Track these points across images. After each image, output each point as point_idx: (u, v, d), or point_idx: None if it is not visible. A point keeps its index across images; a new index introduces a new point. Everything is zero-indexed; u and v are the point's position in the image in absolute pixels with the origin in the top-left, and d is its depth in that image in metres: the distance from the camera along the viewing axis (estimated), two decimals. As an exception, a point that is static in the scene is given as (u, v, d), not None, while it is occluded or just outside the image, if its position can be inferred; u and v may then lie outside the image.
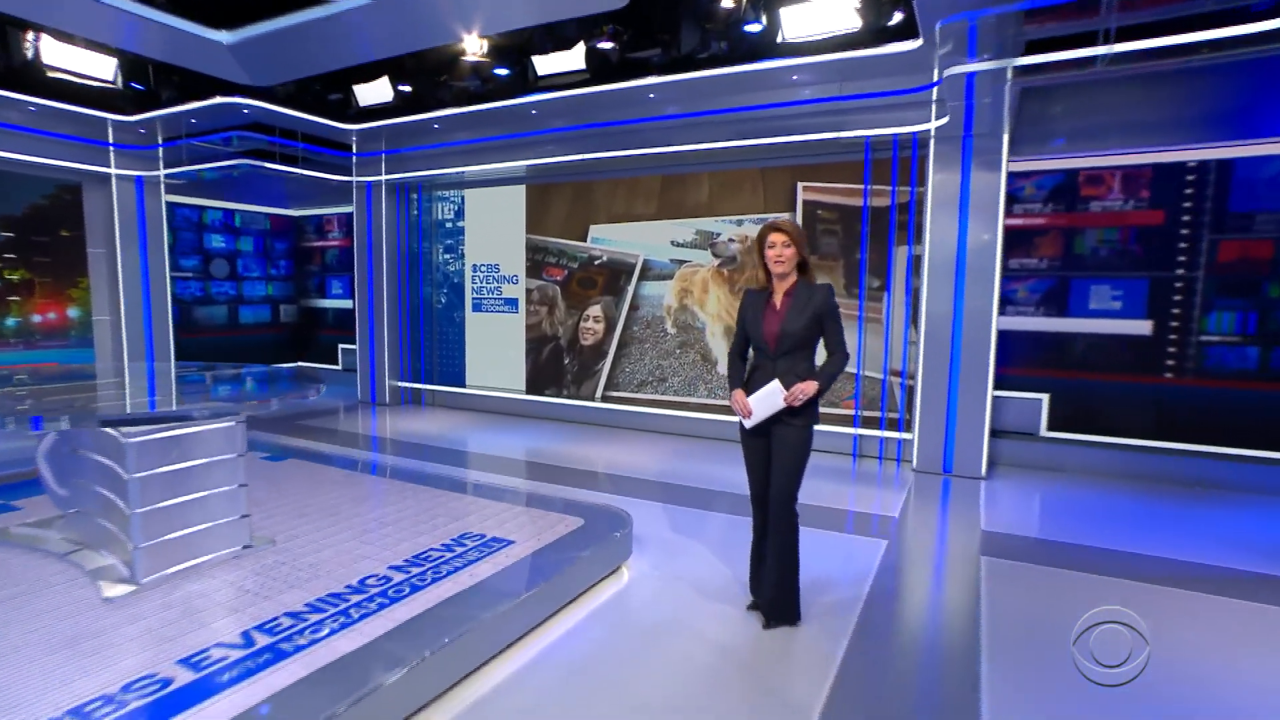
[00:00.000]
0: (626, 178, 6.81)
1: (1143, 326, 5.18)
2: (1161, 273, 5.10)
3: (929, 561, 3.61)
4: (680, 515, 4.23)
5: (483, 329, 7.77)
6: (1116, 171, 5.22)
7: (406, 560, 2.98)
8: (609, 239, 6.94)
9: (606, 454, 5.85)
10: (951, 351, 5.23)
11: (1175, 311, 5.07)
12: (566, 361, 7.23)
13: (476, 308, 7.81)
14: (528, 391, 7.48)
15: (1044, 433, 5.59)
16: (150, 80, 6.08)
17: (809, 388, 2.68)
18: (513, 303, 7.56)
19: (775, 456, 2.77)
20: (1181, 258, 5.04)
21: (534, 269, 7.38)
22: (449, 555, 3.05)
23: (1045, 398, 5.58)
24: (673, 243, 6.61)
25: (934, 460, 5.34)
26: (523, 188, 7.36)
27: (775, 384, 2.70)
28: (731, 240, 6.34)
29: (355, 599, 2.60)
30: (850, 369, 5.81)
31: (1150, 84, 5.00)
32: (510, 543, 3.21)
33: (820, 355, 2.77)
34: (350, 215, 8.18)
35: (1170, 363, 5.11)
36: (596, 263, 7.01)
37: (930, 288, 5.26)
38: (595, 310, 7.04)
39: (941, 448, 5.31)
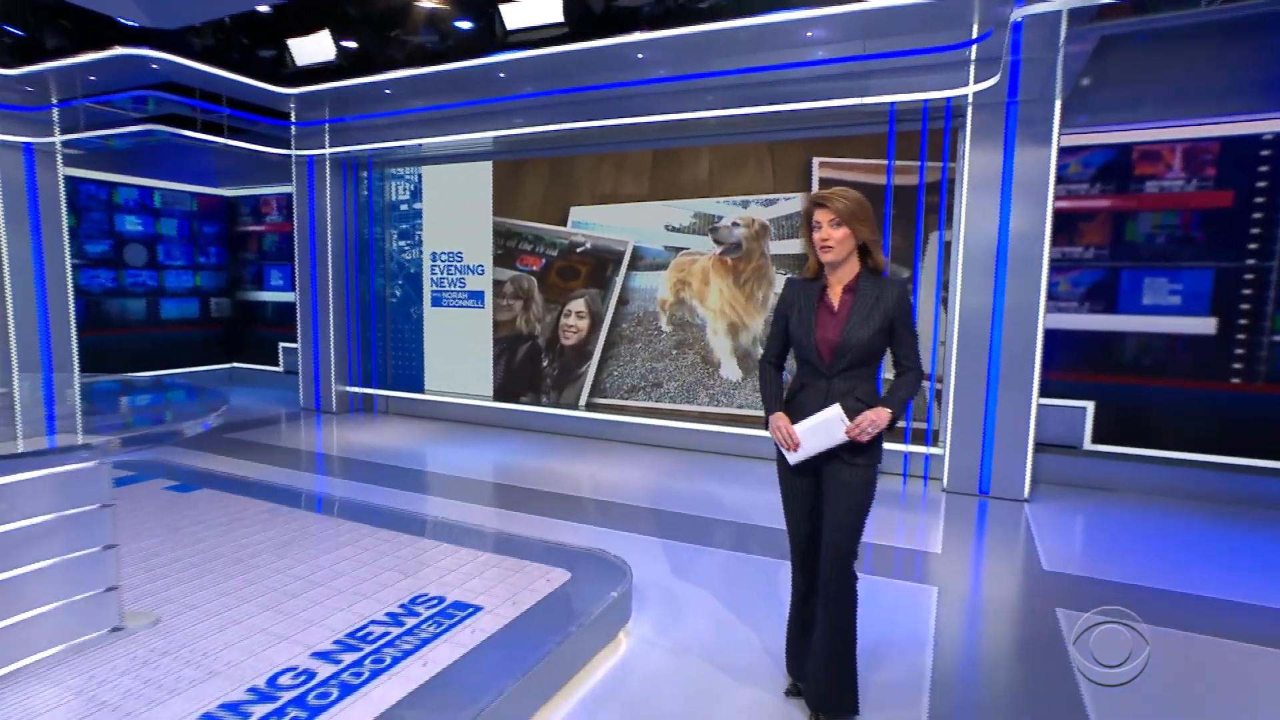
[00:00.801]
0: (612, 152, 6.19)
1: (1205, 325, 4.75)
2: (1228, 263, 4.67)
3: (996, 619, 3.08)
4: (683, 554, 3.65)
5: (443, 326, 7.13)
6: (1177, 146, 4.76)
7: (339, 642, 2.35)
8: (593, 223, 6.33)
9: (590, 473, 5.25)
10: (990, 353, 4.73)
11: (1244, 308, 4.64)
12: (545, 364, 6.60)
13: (436, 302, 7.15)
14: (496, 398, 6.84)
15: (1088, 445, 5.14)
16: (27, 21, 5.27)
17: (880, 418, 2.11)
18: (478, 296, 6.91)
19: (829, 503, 2.20)
20: (1253, 245, 4.60)
21: (505, 258, 6.73)
22: (396, 632, 2.42)
23: (1090, 405, 5.12)
24: (667, 227, 6.02)
25: (968, 479, 4.84)
26: (489, 164, 6.72)
27: (836, 410, 2.13)
28: (736, 224, 5.76)
29: (260, 712, 1.96)
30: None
31: (1223, 41, 4.53)
32: (477, 609, 2.60)
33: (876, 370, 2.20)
34: (291, 196, 7.42)
35: (1237, 366, 4.68)
36: (579, 250, 6.38)
37: (964, 279, 4.75)
38: (578, 305, 6.42)
39: (978, 465, 4.81)
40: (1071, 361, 5.14)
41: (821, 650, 2.24)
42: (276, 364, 8.94)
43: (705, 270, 5.90)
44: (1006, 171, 4.59)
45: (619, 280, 6.24)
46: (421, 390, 7.27)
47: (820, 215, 2.16)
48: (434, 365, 7.23)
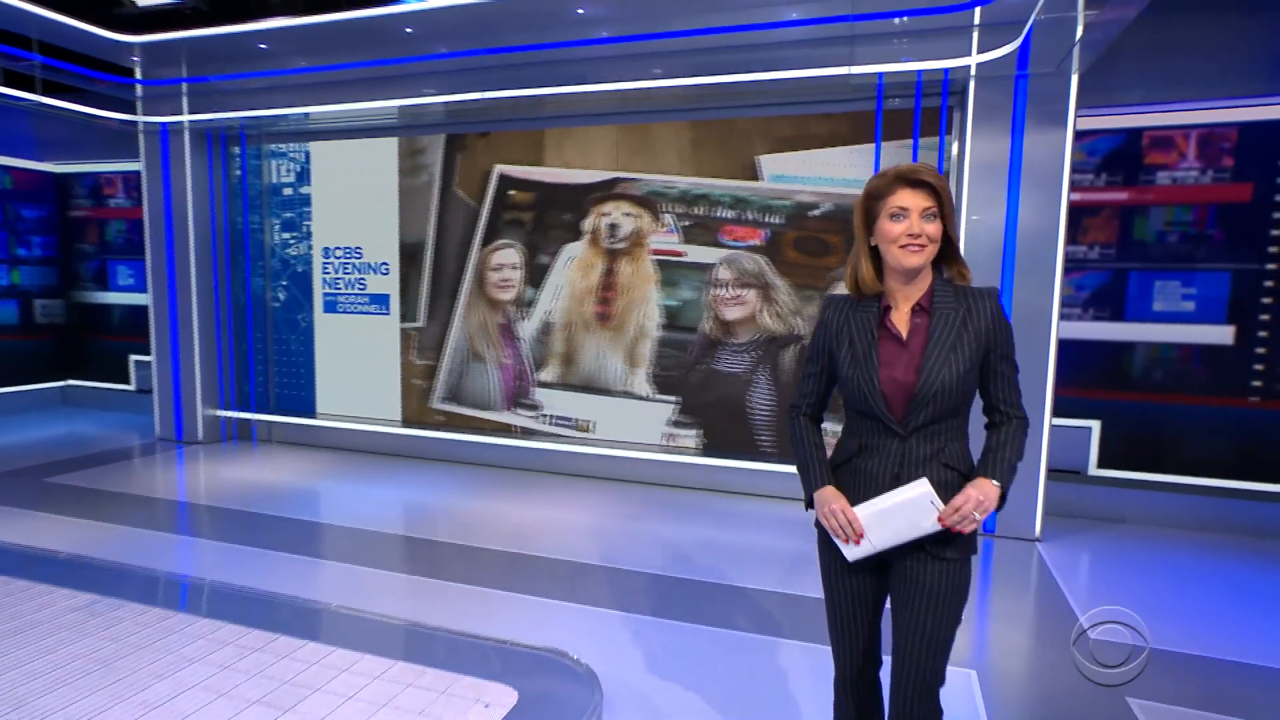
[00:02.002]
0: (551, 128, 5.50)
1: (1222, 334, 4.53)
2: (1248, 265, 4.46)
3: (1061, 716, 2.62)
4: (657, 636, 3.04)
5: (340, 337, 6.30)
6: (1191, 132, 4.52)
7: None
8: (796, 175, 5.12)
9: (527, 518, 4.58)
10: (996, 369, 4.35)
11: (1265, 317, 4.44)
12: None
13: (330, 307, 6.30)
14: (407, 423, 6.06)
15: (1094, 470, 4.86)
16: None
17: (989, 497, 1.59)
18: (382, 301, 6.12)
19: (905, 613, 1.68)
20: (1273, 247, 4.41)
21: (698, 232, 5.55)
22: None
23: (1095, 425, 4.85)
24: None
25: (971, 514, 4.45)
26: (395, 140, 5.93)
27: (924, 489, 1.60)
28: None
29: None
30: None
31: (1247, 13, 4.30)
32: (384, 773, 1.91)
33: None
34: (140, 174, 6.37)
35: (1257, 383, 4.49)
36: (815, 214, 5.41)
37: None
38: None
39: (983, 498, 4.42)
40: (1075, 375, 4.85)
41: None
42: (126, 381, 7.78)
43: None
44: (1015, 157, 4.22)
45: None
46: (313, 414, 6.40)
47: (909, 199, 1.60)
48: (328, 384, 6.38)
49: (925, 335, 1.64)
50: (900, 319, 1.67)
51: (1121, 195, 4.67)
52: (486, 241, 5.72)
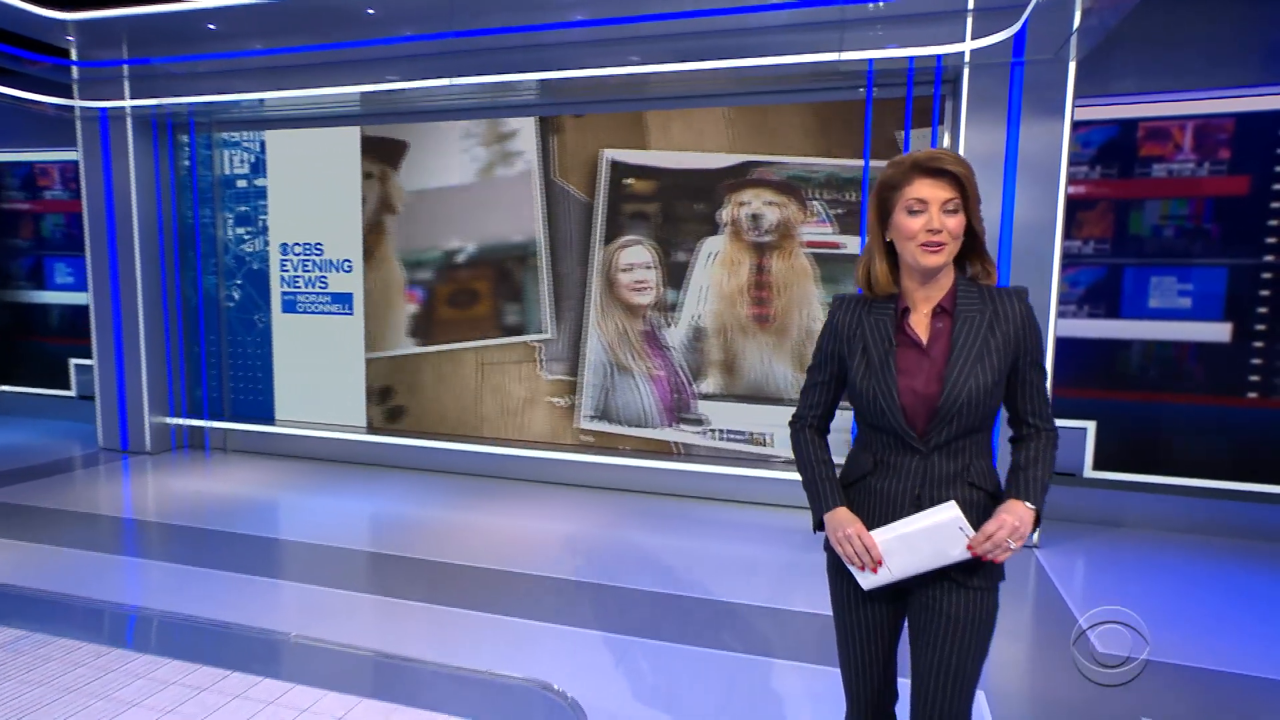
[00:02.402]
0: (525, 116, 5.32)
1: (1219, 331, 4.51)
2: (1246, 260, 4.44)
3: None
4: (644, 659, 2.90)
5: (300, 339, 6.05)
6: (1187, 123, 4.49)
7: None
8: None
9: (502, 529, 4.41)
10: (991, 369, 4.28)
11: (1263, 311, 4.43)
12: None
13: (289, 307, 6.06)
14: (373, 429, 5.85)
15: (1089, 473, 4.83)
16: None
17: (1023, 522, 1.49)
18: (345, 300, 5.89)
19: (927, 647, 1.57)
20: (1271, 239, 4.40)
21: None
22: None
23: (1090, 426, 4.81)
24: (589, 212, 5.22)
25: (967, 519, 4.38)
26: (356, 130, 5.71)
27: (951, 512, 1.49)
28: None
29: None
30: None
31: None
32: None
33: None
34: (78, 164, 6.05)
35: (1255, 379, 4.48)
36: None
37: (961, 280, 4.28)
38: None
39: (978, 503, 4.36)
40: (1068, 375, 4.80)
41: None
42: (66, 386, 7.42)
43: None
44: (1011, 148, 4.15)
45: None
46: (271, 421, 6.14)
47: (928, 190, 1.47)
48: (288, 389, 6.13)
49: (948, 341, 1.52)
50: (920, 323, 1.55)
51: (1117, 188, 4.63)
52: (609, 239, 5.13)
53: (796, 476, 1.75)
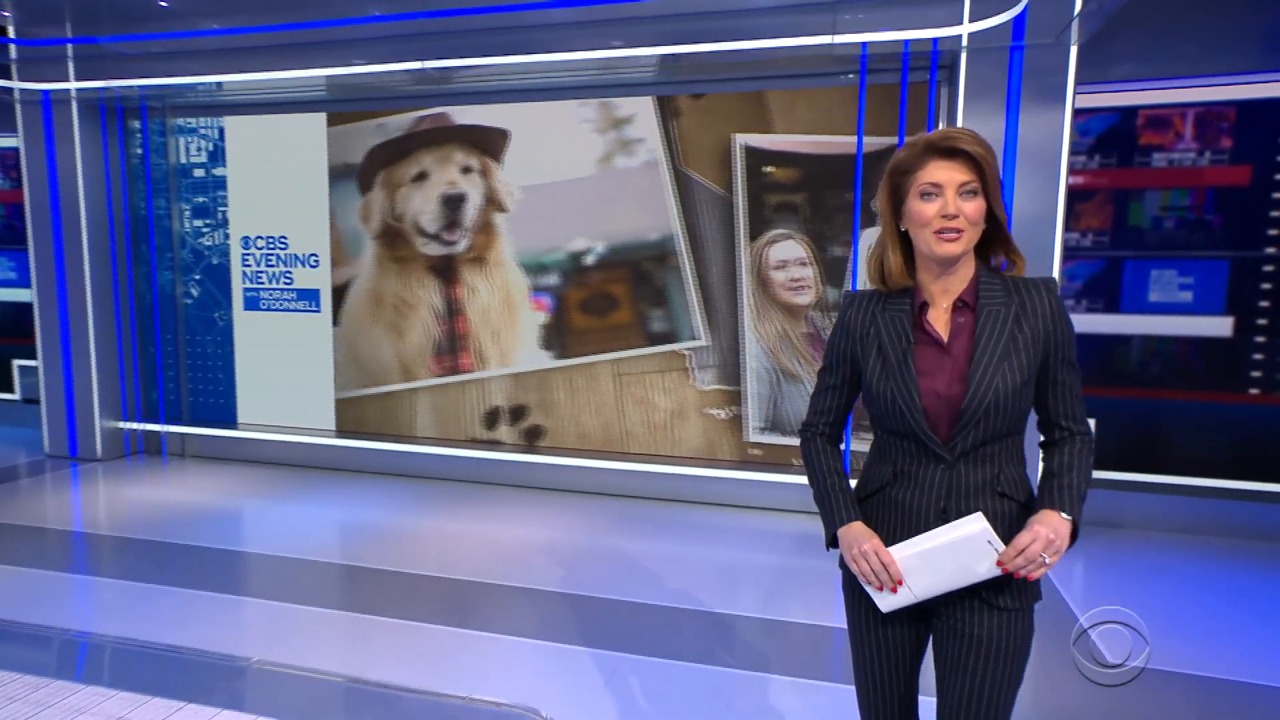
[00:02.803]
0: (502, 104, 5.16)
1: (1220, 325, 4.48)
2: (1248, 252, 4.42)
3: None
4: (634, 677, 2.79)
5: (264, 338, 5.87)
6: (1188, 111, 4.45)
7: None
8: None
9: (478, 536, 4.27)
10: (990, 366, 4.22)
11: (1265, 304, 4.41)
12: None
13: (252, 304, 5.87)
14: (340, 431, 5.68)
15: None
16: None
17: (1059, 535, 1.39)
18: (311, 296, 5.72)
19: (954, 674, 1.48)
20: (1275, 231, 4.38)
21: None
22: None
23: (1090, 423, 4.76)
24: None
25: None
26: (323, 116, 5.53)
27: (978, 525, 1.40)
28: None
29: None
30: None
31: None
32: None
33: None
34: (18, 150, 5.78)
35: (1257, 374, 4.46)
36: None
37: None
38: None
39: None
40: (1066, 370, 4.76)
41: None
42: (9, 390, 7.13)
43: (629, 260, 5.01)
44: (1010, 137, 4.09)
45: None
46: (234, 425, 5.95)
47: (943, 173, 1.39)
48: (251, 390, 5.94)
49: (970, 337, 1.44)
50: (939, 318, 1.47)
51: (1115, 179, 4.59)
52: (754, 234, 4.78)
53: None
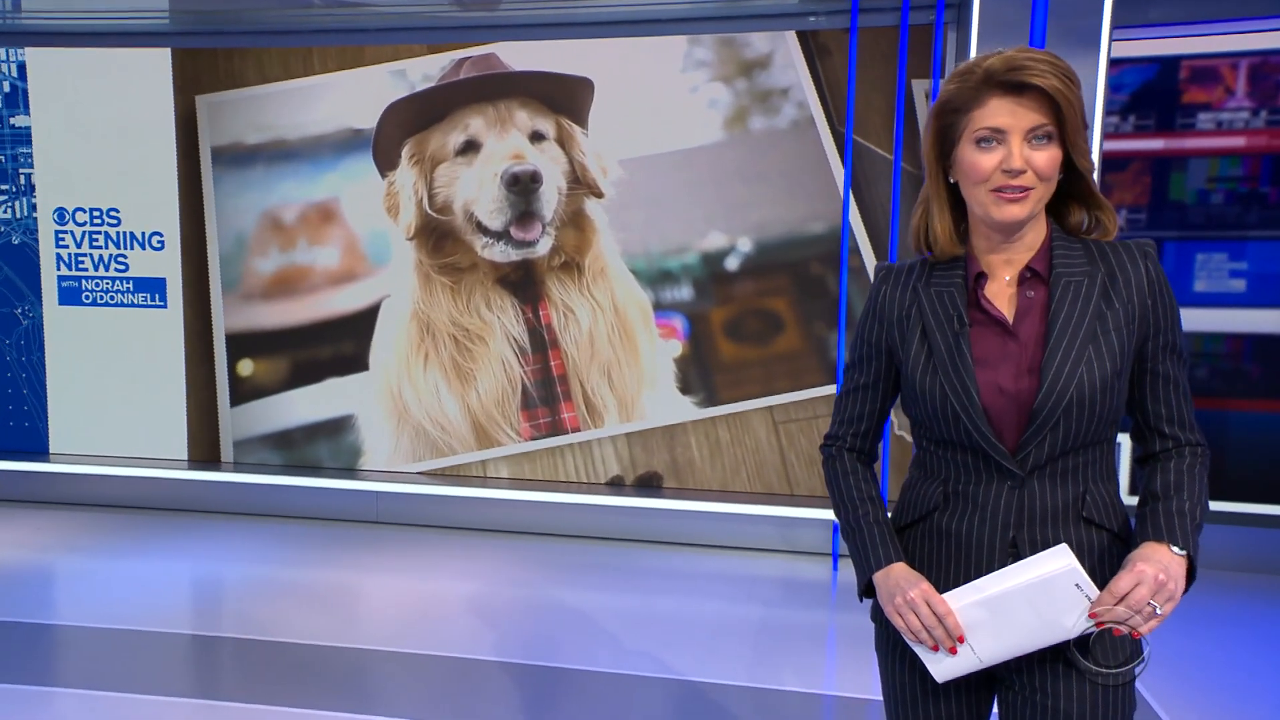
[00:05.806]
0: (578, 39, 4.88)
1: (1278, 320, 4.63)
2: (1309, 233, 4.59)
3: None
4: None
5: (86, 341, 5.76)
6: (1240, 61, 4.57)
7: None
8: None
9: (371, 591, 4.18)
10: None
11: (1328, 296, 4.59)
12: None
13: (70, 297, 5.75)
14: (193, 460, 5.61)
15: (1125, 497, 4.85)
16: None
17: (1169, 572, 1.31)
18: (156, 287, 5.60)
19: None
20: (1341, 207, 4.56)
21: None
22: None
23: (1123, 439, 4.83)
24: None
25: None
26: (167, 51, 5.44)
27: (1064, 562, 1.32)
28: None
29: None
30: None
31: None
32: None
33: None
34: None
35: (1320, 379, 4.63)
36: None
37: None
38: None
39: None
40: (1097, 375, 4.88)
41: None
42: None
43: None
44: (1033, 91, 4.11)
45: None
46: (45, 456, 5.81)
47: (1005, 114, 1.32)
48: (69, 410, 5.82)
49: (1044, 317, 1.37)
50: (1000, 293, 1.40)
51: (1154, 144, 4.70)
52: None
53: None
